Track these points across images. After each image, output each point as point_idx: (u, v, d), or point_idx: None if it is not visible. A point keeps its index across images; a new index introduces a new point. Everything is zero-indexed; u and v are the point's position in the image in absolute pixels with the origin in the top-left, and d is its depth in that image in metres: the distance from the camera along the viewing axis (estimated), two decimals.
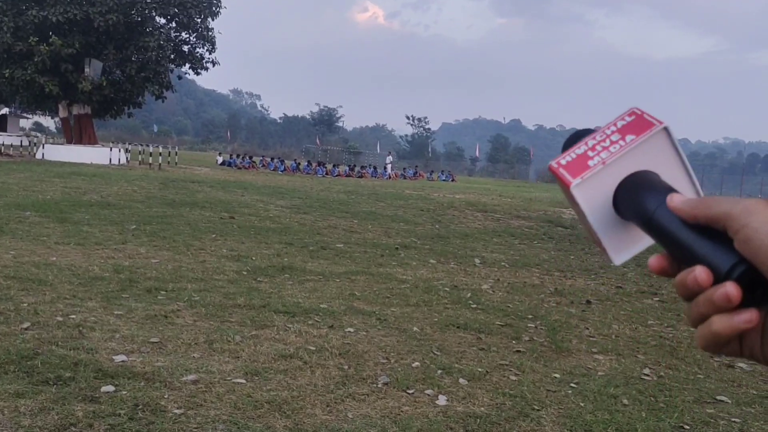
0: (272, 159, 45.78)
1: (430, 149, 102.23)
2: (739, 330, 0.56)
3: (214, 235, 10.70)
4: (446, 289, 8.06)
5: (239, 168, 39.48)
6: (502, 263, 10.53)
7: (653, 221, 0.62)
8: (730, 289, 0.54)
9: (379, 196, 21.57)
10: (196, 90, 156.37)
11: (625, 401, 4.62)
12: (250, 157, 44.76)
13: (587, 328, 6.68)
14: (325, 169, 42.43)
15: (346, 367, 4.86)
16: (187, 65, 35.36)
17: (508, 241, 13.43)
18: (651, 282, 9.86)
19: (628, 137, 0.65)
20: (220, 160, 43.78)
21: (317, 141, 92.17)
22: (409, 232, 13.44)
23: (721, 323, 0.56)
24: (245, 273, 8.00)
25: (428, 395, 4.44)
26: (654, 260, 0.63)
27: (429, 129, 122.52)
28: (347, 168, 47.53)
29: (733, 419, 4.45)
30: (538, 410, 4.33)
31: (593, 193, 0.65)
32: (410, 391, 4.48)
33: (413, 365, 5.02)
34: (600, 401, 4.58)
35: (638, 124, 0.66)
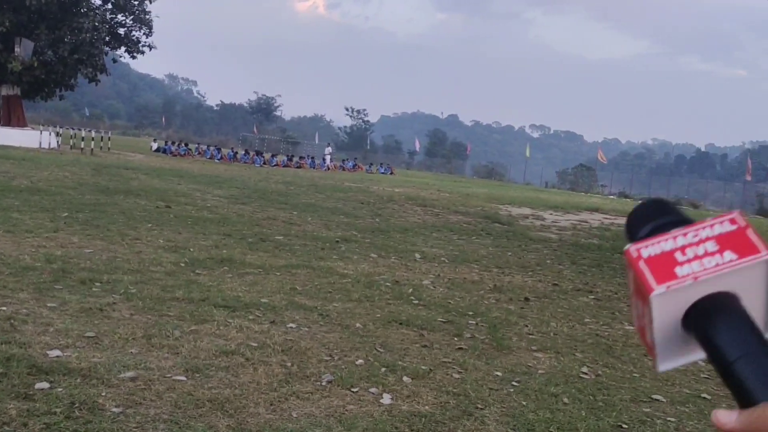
0: (209, 147, 44.99)
1: (368, 141, 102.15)
2: None
3: (150, 225, 10.43)
4: (388, 284, 8.04)
5: (175, 155, 38.67)
6: (442, 259, 10.58)
7: (731, 370, 0.57)
8: None
9: (318, 187, 21.44)
10: (129, 73, 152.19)
11: (566, 400, 4.69)
12: (186, 145, 43.88)
13: (526, 326, 6.77)
14: (263, 159, 41.95)
15: (289, 364, 4.79)
16: (123, 48, 34.40)
17: (448, 237, 13.52)
18: (586, 280, 10.08)
19: (727, 254, 0.60)
20: (154, 146, 42.80)
21: (255, 130, 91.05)
22: (349, 225, 13.39)
23: None
24: (183, 265, 7.82)
25: (373, 394, 4.42)
26: (724, 416, 0.58)
27: (368, 121, 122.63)
28: (286, 158, 47.08)
29: (668, 418, 4.57)
30: (481, 409, 4.36)
31: (670, 305, 0.60)
32: (354, 390, 4.44)
33: (357, 363, 4.99)
34: (541, 400, 4.64)
35: (740, 240, 0.60)
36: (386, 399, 4.34)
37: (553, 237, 15.33)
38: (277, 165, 41.53)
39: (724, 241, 0.61)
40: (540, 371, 5.32)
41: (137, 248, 8.51)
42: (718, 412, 0.57)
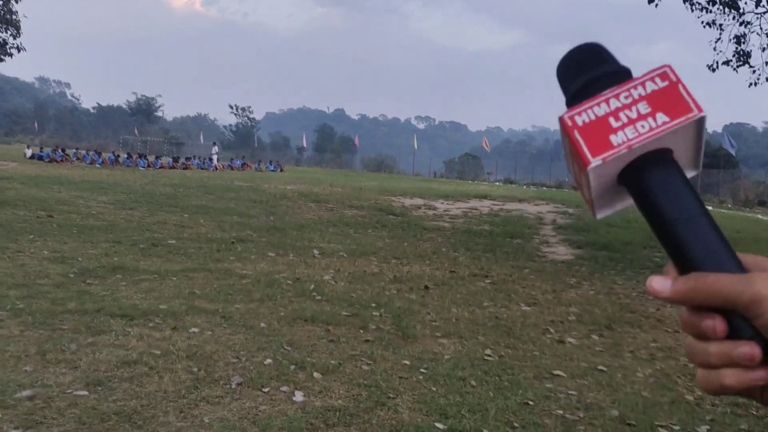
0: (88, 152, 43.07)
1: (255, 139, 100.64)
2: (752, 386, 0.54)
3: (32, 236, 9.90)
4: (289, 282, 8.00)
5: (52, 162, 36.80)
6: (341, 253, 10.61)
7: (672, 229, 0.58)
8: (755, 351, 0.53)
9: (208, 188, 20.98)
10: None
11: (473, 383, 4.82)
12: (63, 150, 41.84)
13: (429, 314, 6.90)
14: (146, 162, 40.58)
15: (195, 369, 4.68)
16: None
17: (344, 231, 13.56)
18: (481, 265, 10.36)
19: (659, 116, 0.59)
20: (29, 153, 40.51)
21: (136, 132, 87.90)
22: (243, 225, 13.20)
23: (734, 377, 0.54)
24: (72, 276, 7.48)
25: (284, 392, 4.39)
26: (659, 283, 0.57)
27: (253, 119, 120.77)
28: (171, 160, 45.72)
29: (570, 392, 4.79)
30: (393, 398, 4.41)
31: (606, 170, 0.60)
32: (265, 390, 4.40)
33: (265, 362, 4.94)
34: (450, 384, 4.74)
35: (672, 98, 0.59)
36: (298, 396, 4.32)
37: (446, 225, 15.66)
38: (162, 167, 40.26)
39: (657, 101, 0.60)
40: (446, 357, 5.44)
41: (20, 261, 8.07)
42: (653, 278, 0.57)
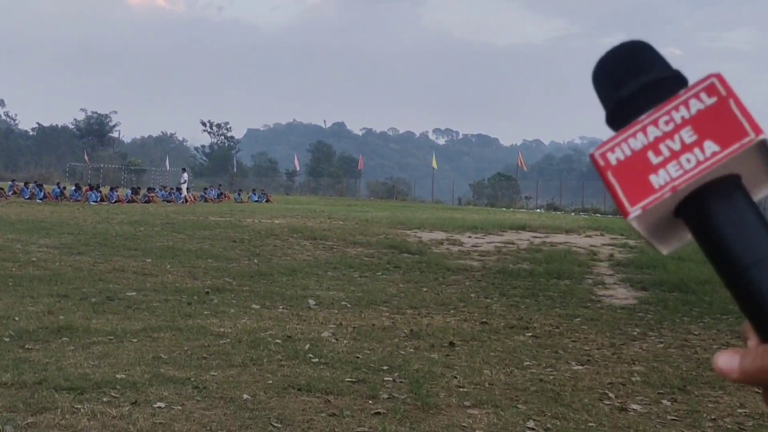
0: (26, 184, 43.49)
1: (235, 163, 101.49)
2: None
3: None
4: (278, 341, 7.99)
5: None
6: (343, 303, 10.62)
7: (747, 276, 0.58)
8: None
9: (176, 225, 21.10)
10: None
11: None
12: None
13: (455, 377, 6.87)
14: (99, 194, 40.90)
15: None
16: None
17: (347, 275, 13.58)
18: (520, 314, 10.34)
19: (708, 146, 0.59)
20: None
21: (86, 158, 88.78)
22: (220, 271, 13.24)
23: None
24: (7, 340, 7.51)
25: None
26: (726, 362, 0.57)
27: (232, 137, 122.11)
28: (129, 191, 46.07)
29: None
30: None
31: (654, 214, 0.61)
32: None
33: None
34: None
35: (722, 119, 0.59)
36: None
37: (475, 265, 15.65)
38: (118, 201, 40.56)
39: (704, 124, 0.59)
40: None
41: None
42: (720, 355, 0.57)
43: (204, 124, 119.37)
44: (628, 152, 0.61)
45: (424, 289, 12.29)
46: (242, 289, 11.47)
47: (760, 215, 0.60)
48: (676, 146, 0.59)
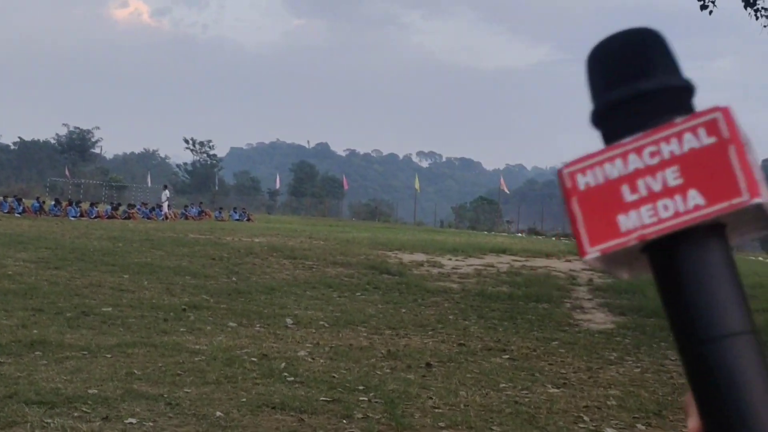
0: (5, 198, 43.22)
1: (217, 181, 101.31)
2: None
3: None
4: (253, 359, 7.97)
5: None
6: (321, 322, 10.60)
7: (700, 349, 0.50)
8: None
9: (155, 242, 20.99)
10: None
11: None
12: None
13: (431, 398, 6.86)
14: (79, 210, 40.70)
15: None
16: None
17: (326, 294, 13.56)
18: (498, 337, 10.35)
19: (692, 196, 0.51)
20: None
21: (67, 173, 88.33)
22: (198, 288, 13.19)
23: None
24: None
25: None
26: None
27: (215, 155, 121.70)
28: (109, 207, 45.86)
29: None
30: None
31: (615, 257, 0.53)
32: None
33: None
34: None
35: (716, 167, 0.50)
36: None
37: (454, 287, 15.66)
38: (98, 216, 40.36)
39: (693, 167, 0.51)
40: None
41: None
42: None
43: (187, 141, 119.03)
44: (601, 179, 0.53)
45: (403, 310, 12.29)
46: (219, 306, 11.43)
47: (737, 278, 0.51)
48: (657, 186, 0.51)
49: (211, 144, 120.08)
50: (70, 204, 41.82)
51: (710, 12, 17.05)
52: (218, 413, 5.94)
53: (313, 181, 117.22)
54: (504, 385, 7.58)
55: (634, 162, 0.52)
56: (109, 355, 7.70)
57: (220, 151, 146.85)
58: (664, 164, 0.51)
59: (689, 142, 0.50)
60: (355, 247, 22.44)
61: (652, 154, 0.51)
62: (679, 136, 0.51)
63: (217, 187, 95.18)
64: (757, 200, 0.48)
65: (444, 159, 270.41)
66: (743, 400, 0.48)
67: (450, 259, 20.92)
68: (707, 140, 0.50)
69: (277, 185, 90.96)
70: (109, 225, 31.56)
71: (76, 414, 5.68)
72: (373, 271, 17.32)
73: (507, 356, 9.06)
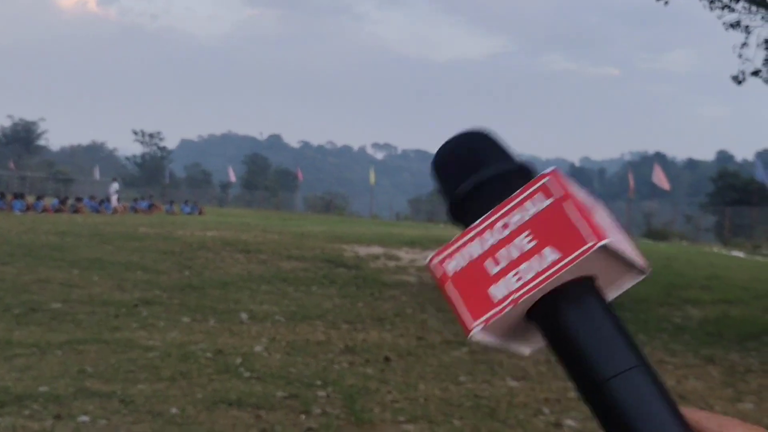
0: None
1: (167, 173, 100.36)
2: None
3: None
4: (208, 355, 7.93)
5: None
6: (276, 317, 10.57)
7: (601, 389, 0.55)
8: None
9: (104, 237, 20.76)
10: None
11: None
12: None
13: (390, 392, 6.89)
14: (24, 203, 40.11)
15: None
16: None
17: (281, 289, 13.51)
18: (456, 330, 10.38)
19: (548, 253, 0.55)
20: None
21: (11, 165, 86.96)
22: (150, 283, 13.07)
23: None
24: None
25: None
26: None
27: (164, 148, 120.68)
28: (56, 201, 45.27)
29: None
30: None
31: (497, 326, 0.57)
32: None
33: None
34: None
35: (559, 223, 0.56)
36: None
37: (411, 280, 15.71)
38: (45, 210, 39.83)
39: (542, 228, 0.56)
40: None
41: None
42: None
43: (136, 133, 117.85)
44: (467, 260, 0.57)
45: (360, 304, 12.29)
46: (172, 302, 11.34)
47: (616, 322, 0.57)
48: (515, 253, 0.56)
49: (160, 135, 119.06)
50: (15, 198, 41.18)
51: (666, 2, 17.25)
52: (173, 410, 5.91)
53: (265, 173, 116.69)
54: (463, 378, 7.63)
55: (490, 238, 0.57)
56: (59, 352, 7.62)
57: (171, 143, 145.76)
58: (515, 233, 0.56)
59: (531, 208, 0.56)
60: (310, 241, 22.39)
61: (504, 227, 0.57)
62: (521, 205, 0.57)
63: (167, 180, 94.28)
64: (602, 242, 0.54)
65: (399, 151, 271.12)
66: (644, 428, 0.54)
67: (407, 252, 20.96)
68: (545, 202, 0.56)
69: (232, 178, 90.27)
70: (57, 219, 31.14)
71: (26, 412, 5.62)
72: (329, 265, 17.30)
73: (466, 349, 9.11)
